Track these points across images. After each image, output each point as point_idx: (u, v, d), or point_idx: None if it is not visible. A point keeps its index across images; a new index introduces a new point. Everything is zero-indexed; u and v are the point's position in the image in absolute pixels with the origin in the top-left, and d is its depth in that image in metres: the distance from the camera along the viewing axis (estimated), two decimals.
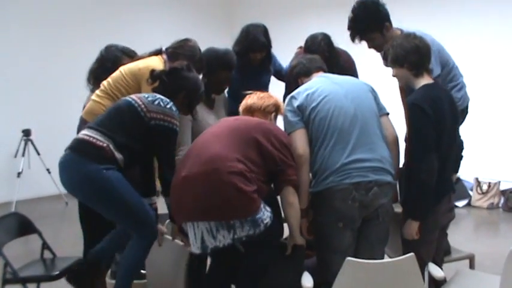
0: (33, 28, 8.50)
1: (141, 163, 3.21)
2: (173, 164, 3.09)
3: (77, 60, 8.79)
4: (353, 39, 3.62)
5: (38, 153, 7.88)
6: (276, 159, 2.80)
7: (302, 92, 3.01)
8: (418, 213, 2.93)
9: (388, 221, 2.93)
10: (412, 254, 2.40)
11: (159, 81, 3.25)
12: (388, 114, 3.08)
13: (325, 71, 3.24)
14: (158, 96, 3.10)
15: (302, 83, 3.16)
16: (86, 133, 3.02)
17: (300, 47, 4.26)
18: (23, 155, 7.84)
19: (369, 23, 3.53)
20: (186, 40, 3.66)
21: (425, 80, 3.01)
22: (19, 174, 7.70)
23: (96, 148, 2.94)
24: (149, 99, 3.07)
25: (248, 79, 3.98)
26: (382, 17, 3.54)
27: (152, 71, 3.27)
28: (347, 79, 3.12)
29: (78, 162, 2.96)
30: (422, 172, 2.85)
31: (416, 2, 8.15)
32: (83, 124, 3.57)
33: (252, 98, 3.19)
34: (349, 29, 3.61)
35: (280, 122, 3.15)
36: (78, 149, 2.98)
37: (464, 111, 3.69)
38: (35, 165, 7.90)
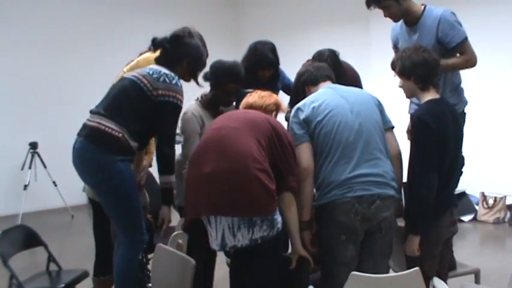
0: (40, 41, 8.57)
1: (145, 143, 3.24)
2: (173, 142, 3.11)
3: (85, 74, 8.92)
4: (368, 6, 3.69)
5: (45, 166, 7.91)
6: (282, 158, 2.84)
7: (308, 104, 3.02)
8: (418, 228, 2.93)
9: (391, 234, 2.93)
10: (417, 268, 2.39)
11: (162, 49, 3.26)
12: (393, 128, 3.08)
13: (332, 80, 3.25)
14: (163, 71, 3.10)
15: (309, 92, 3.18)
16: (99, 121, 3.02)
17: (308, 60, 4.28)
18: (30, 167, 7.87)
19: None
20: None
21: (431, 95, 3.01)
22: (26, 186, 7.73)
23: (112, 138, 2.96)
24: (154, 76, 3.07)
25: None
26: None
27: (154, 39, 3.28)
28: (354, 91, 3.12)
29: (94, 151, 2.99)
30: (422, 188, 2.87)
31: None
32: None
33: (253, 97, 3.22)
34: None
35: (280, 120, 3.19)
36: (95, 138, 3.00)
37: (462, 115, 3.70)
38: (42, 178, 7.93)
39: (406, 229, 2.98)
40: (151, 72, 3.10)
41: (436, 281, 2.84)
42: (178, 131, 3.52)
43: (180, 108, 3.13)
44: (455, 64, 3.67)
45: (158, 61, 3.24)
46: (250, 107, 3.17)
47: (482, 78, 7.17)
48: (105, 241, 3.54)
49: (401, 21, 3.79)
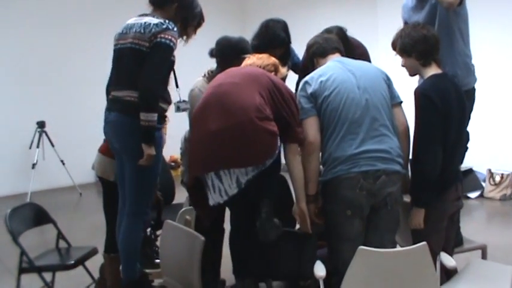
0: (47, 22, 8.56)
1: None
2: (157, 80, 3.11)
3: (91, 54, 8.90)
4: None
5: (52, 145, 7.95)
6: (285, 108, 2.89)
7: (316, 78, 3.01)
8: (422, 202, 2.94)
9: (398, 209, 2.94)
10: (424, 243, 2.40)
11: None
12: (401, 103, 3.07)
13: (341, 53, 3.24)
14: (152, 23, 3.12)
15: (318, 64, 3.18)
16: (130, 94, 3.12)
17: None
18: (38, 146, 7.91)
19: None
20: None
21: (433, 70, 3.01)
22: (34, 165, 7.78)
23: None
24: (146, 32, 3.10)
25: None
26: None
27: None
28: (362, 66, 3.10)
29: (133, 123, 3.05)
30: (426, 163, 2.87)
31: None
32: None
33: (251, 59, 3.24)
34: None
35: None
36: (131, 110, 3.08)
37: (471, 93, 3.67)
38: (50, 157, 7.97)
39: (411, 203, 2.99)
40: (142, 31, 3.13)
41: (443, 256, 2.85)
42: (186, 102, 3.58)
43: (170, 47, 3.12)
44: None
45: (151, 2, 3.31)
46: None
47: (491, 54, 7.14)
48: (116, 218, 3.57)
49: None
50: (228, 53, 3.51)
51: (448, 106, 2.87)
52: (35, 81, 8.44)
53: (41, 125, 7.96)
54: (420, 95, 2.91)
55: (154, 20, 3.13)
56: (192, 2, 3.37)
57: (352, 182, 2.81)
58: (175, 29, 3.15)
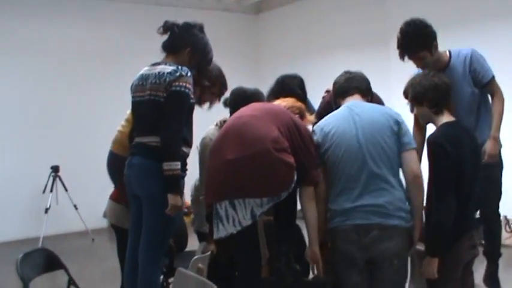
0: (62, 65, 8.71)
1: None
2: (178, 130, 3.16)
3: (104, 96, 9.00)
4: (402, 58, 3.74)
5: (66, 190, 7.98)
6: (302, 147, 2.95)
7: (320, 127, 3.10)
8: (436, 251, 2.91)
9: (401, 264, 2.95)
10: None
11: (170, 32, 3.34)
12: (413, 149, 3.03)
13: (363, 92, 3.26)
14: (165, 72, 3.16)
15: (339, 104, 3.25)
16: (155, 140, 3.16)
17: (327, 91, 4.28)
18: (51, 190, 7.94)
19: (418, 41, 3.65)
20: None
21: (445, 118, 3.02)
22: (47, 210, 7.80)
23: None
24: (161, 82, 3.15)
25: None
26: (431, 36, 3.68)
27: (166, 21, 3.37)
28: (370, 113, 3.08)
29: (157, 167, 3.09)
30: (439, 212, 2.86)
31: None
32: (111, 156, 3.67)
33: (277, 102, 3.33)
34: (398, 47, 3.72)
35: None
36: (156, 155, 3.13)
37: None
38: (63, 201, 7.99)
39: (425, 251, 2.96)
40: (158, 81, 3.18)
41: None
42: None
43: (186, 94, 3.16)
44: (499, 112, 3.84)
45: (164, 44, 3.36)
46: None
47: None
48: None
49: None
50: (242, 103, 3.54)
51: (460, 153, 2.88)
52: (49, 125, 8.55)
53: (55, 169, 8.01)
54: (433, 144, 2.92)
55: (167, 69, 3.19)
56: (205, 46, 3.43)
57: (345, 234, 2.89)
58: (189, 73, 3.19)
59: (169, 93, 3.13)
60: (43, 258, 3.62)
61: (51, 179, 7.99)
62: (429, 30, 3.69)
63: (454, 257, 2.95)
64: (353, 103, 3.17)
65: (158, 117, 3.14)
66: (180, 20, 3.41)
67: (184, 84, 3.14)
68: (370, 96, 3.35)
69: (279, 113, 3.02)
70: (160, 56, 3.38)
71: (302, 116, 3.25)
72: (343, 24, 9.61)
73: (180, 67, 3.19)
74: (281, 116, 2.99)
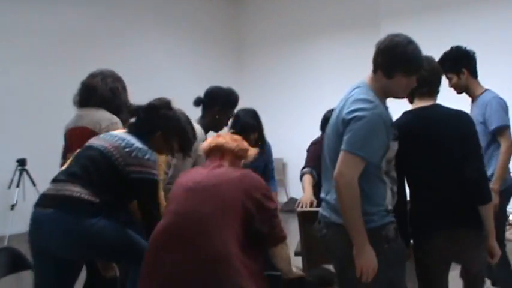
0: (30, 55, 8.63)
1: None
2: (156, 211, 3.12)
3: (73, 87, 8.89)
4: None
5: (34, 184, 7.90)
6: (264, 220, 2.90)
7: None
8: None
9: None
10: None
11: (136, 117, 3.29)
12: (344, 150, 2.83)
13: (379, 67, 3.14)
14: (135, 145, 3.09)
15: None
16: (71, 188, 3.00)
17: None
18: (18, 186, 7.86)
19: (447, 62, 4.15)
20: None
21: (414, 105, 3.21)
22: (13, 206, 7.72)
23: (88, 204, 2.96)
24: (126, 150, 3.06)
25: None
26: (462, 62, 4.22)
27: (130, 105, 3.35)
28: (340, 106, 3.04)
29: (75, 220, 2.96)
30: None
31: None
32: None
33: (225, 137, 3.19)
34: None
35: None
36: (72, 207, 2.98)
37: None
38: (30, 197, 7.86)
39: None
40: (123, 145, 3.09)
41: None
42: None
43: (156, 181, 3.14)
44: (505, 160, 4.16)
45: (130, 129, 3.26)
46: (220, 147, 3.12)
47: None
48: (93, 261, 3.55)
49: None
50: (225, 102, 3.98)
51: (409, 140, 3.03)
52: (15, 117, 8.46)
53: (22, 162, 7.92)
54: None
55: (136, 142, 3.14)
56: (176, 128, 3.35)
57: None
58: (155, 159, 3.17)
59: (142, 180, 3.09)
60: (9, 258, 3.58)
61: (17, 173, 7.91)
62: (464, 57, 4.23)
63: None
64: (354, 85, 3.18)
65: (99, 174, 3.04)
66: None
67: (155, 172, 3.13)
68: None
69: (232, 205, 2.82)
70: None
71: (246, 156, 3.19)
72: (331, 5, 9.61)
73: (150, 151, 3.15)
74: (235, 209, 2.81)
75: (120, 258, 3.24)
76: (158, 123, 3.26)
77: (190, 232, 2.75)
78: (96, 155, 3.07)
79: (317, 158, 3.57)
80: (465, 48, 4.24)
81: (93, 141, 3.20)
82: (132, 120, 3.34)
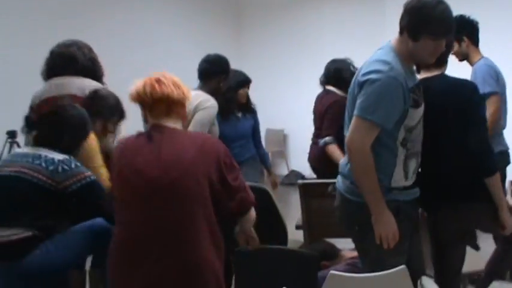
0: (12, 22, 8.48)
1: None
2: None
3: None
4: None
5: None
6: (232, 190, 2.78)
7: None
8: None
9: None
10: (403, 266, 2.47)
11: (37, 129, 3.28)
12: (356, 115, 2.79)
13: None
14: (56, 159, 3.00)
15: None
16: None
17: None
18: None
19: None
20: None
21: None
22: None
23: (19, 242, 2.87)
24: (50, 168, 2.96)
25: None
26: (464, 31, 4.32)
27: (27, 119, 3.45)
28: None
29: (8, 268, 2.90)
30: None
31: None
32: None
33: (168, 86, 2.82)
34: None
35: None
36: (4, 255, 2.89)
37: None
38: None
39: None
40: (44, 165, 2.99)
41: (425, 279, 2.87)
42: None
43: (96, 182, 3.08)
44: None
45: (39, 143, 3.19)
46: (166, 98, 2.81)
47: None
48: None
49: None
50: (222, 69, 4.15)
51: None
52: (6, 86, 8.31)
53: (12, 134, 7.78)
54: None
55: (54, 155, 3.08)
56: (81, 125, 3.30)
57: None
58: (80, 164, 3.14)
59: (82, 188, 3.06)
60: None
61: (7, 145, 7.79)
62: (467, 24, 4.37)
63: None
64: None
65: (31, 206, 2.97)
66: None
67: (89, 174, 3.12)
68: None
69: (196, 192, 2.67)
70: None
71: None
72: None
73: (71, 158, 3.13)
74: (203, 194, 2.68)
75: (96, 249, 3.20)
76: (63, 128, 3.20)
77: (158, 244, 2.63)
78: (19, 186, 2.97)
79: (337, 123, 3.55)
80: (468, 17, 4.40)
81: (5, 170, 3.08)
82: (34, 133, 3.30)
